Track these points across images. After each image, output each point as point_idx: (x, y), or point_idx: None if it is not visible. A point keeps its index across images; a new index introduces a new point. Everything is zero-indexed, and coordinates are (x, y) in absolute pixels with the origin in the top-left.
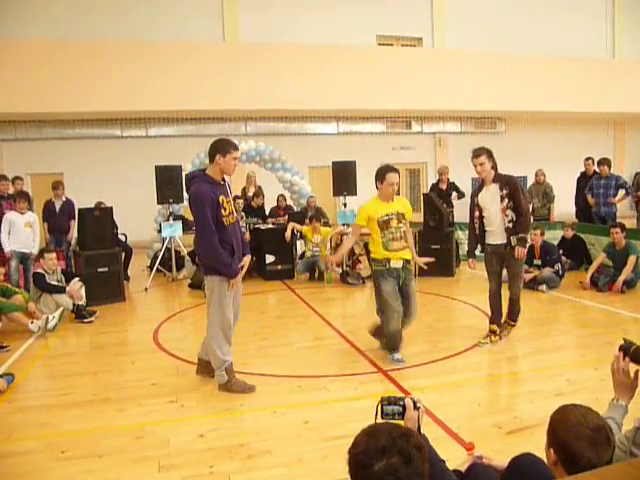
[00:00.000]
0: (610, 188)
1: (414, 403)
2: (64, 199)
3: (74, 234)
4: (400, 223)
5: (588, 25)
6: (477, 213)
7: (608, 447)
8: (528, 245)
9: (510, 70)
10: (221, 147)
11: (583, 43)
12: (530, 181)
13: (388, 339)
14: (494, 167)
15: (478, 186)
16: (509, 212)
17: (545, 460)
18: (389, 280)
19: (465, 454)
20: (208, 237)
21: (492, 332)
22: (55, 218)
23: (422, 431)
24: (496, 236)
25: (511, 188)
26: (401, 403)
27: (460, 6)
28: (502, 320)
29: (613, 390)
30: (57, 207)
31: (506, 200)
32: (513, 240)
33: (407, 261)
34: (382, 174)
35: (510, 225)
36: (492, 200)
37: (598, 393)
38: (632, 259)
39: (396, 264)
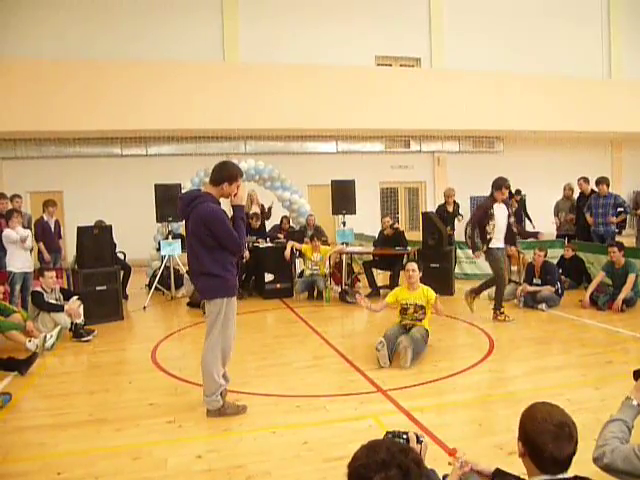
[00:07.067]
0: (609, 207)
1: (417, 437)
2: (55, 218)
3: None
4: None
5: (585, 46)
6: None
7: (570, 441)
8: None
9: (508, 90)
10: (238, 173)
11: (580, 63)
12: (529, 199)
13: None
14: None
15: None
16: None
17: None
18: None
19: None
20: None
21: None
22: (52, 237)
23: (426, 464)
24: None
25: None
26: (405, 437)
27: (458, 27)
28: None
29: (634, 389)
30: (52, 226)
31: None
32: None
33: None
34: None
35: None
36: None
37: (599, 413)
38: (631, 278)
39: None
